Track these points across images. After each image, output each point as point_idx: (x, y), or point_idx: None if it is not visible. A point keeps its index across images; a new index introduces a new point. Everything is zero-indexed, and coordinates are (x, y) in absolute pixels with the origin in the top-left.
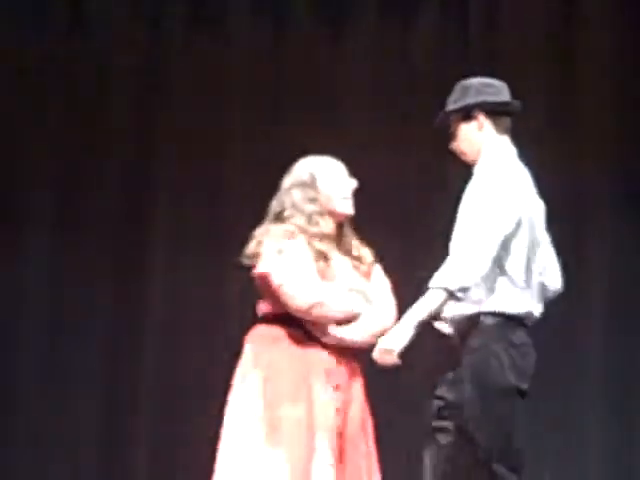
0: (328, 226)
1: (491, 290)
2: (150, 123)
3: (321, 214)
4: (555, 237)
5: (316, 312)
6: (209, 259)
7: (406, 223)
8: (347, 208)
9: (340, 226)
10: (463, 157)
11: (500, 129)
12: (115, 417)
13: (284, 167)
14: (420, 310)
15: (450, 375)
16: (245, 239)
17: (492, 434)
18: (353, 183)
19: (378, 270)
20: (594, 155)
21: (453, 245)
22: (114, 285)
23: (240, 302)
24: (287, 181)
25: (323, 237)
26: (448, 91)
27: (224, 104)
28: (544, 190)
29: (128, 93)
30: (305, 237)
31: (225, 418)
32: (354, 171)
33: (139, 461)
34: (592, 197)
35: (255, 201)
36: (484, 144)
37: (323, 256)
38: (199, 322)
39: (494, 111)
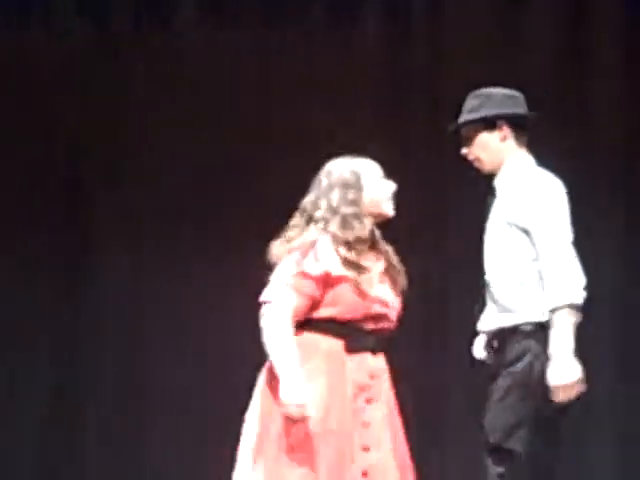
0: (365, 229)
1: (527, 299)
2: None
3: (359, 216)
4: None
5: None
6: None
7: None
8: (390, 209)
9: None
10: (478, 164)
11: (520, 142)
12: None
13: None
14: (568, 337)
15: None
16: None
17: (531, 441)
18: (393, 185)
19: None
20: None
21: (548, 259)
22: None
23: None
24: (326, 180)
25: (355, 242)
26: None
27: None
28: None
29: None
30: (334, 245)
31: None
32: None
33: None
34: None
35: (223, 201)
36: (507, 156)
37: (353, 265)
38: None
39: (517, 124)
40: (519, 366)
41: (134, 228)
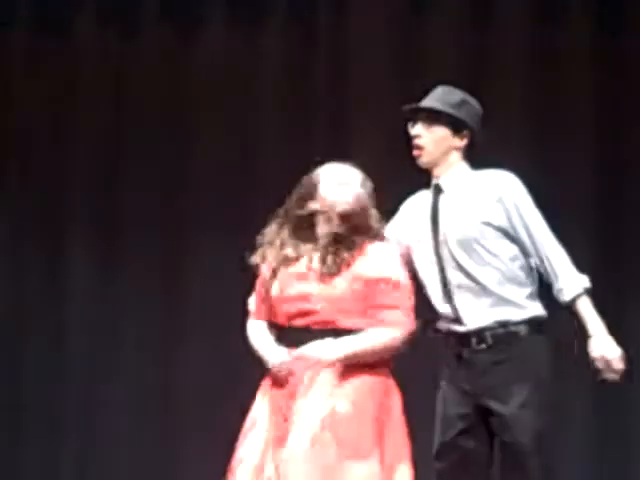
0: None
1: (530, 295)
2: None
3: (298, 220)
4: None
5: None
6: None
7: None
8: (343, 208)
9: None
10: (418, 152)
11: (465, 156)
12: None
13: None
14: (598, 316)
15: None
16: None
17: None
18: (353, 187)
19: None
20: None
21: (552, 249)
22: None
23: None
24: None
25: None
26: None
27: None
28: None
29: None
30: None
31: None
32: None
33: None
34: None
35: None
36: (455, 161)
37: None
38: None
39: (474, 141)
40: (539, 362)
41: None
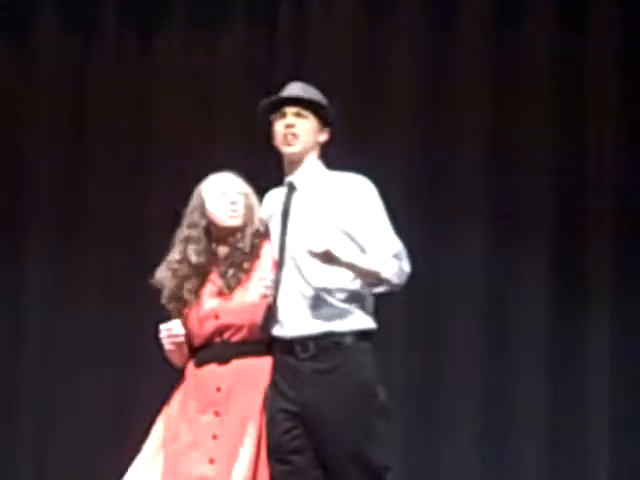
0: (200, 251)
1: (362, 307)
2: None
3: (196, 240)
4: None
5: None
6: None
7: None
8: (227, 220)
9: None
10: (294, 141)
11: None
12: None
13: None
14: (362, 261)
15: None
16: None
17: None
18: (228, 199)
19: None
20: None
21: (386, 241)
22: None
23: None
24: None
25: (191, 268)
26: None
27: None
28: None
29: None
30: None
31: None
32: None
33: None
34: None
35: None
36: (312, 159)
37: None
38: None
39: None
40: (365, 376)
41: None
